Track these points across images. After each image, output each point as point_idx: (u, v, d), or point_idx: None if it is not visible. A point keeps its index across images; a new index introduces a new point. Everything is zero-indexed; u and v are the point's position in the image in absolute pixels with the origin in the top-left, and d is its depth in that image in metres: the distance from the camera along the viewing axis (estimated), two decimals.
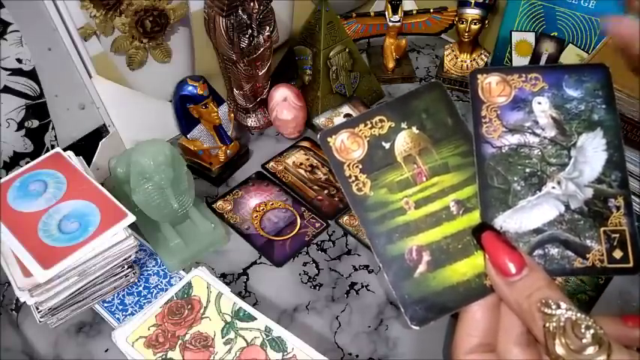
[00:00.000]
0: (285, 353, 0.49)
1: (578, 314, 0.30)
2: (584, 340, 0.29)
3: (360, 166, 0.38)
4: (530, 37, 0.81)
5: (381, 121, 0.38)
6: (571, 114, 0.37)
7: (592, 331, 0.29)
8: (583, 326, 0.29)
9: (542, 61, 0.80)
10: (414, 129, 0.38)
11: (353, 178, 0.37)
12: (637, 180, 0.61)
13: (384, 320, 0.58)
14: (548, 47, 0.79)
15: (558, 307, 0.30)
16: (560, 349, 0.29)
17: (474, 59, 0.87)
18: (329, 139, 0.38)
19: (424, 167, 0.38)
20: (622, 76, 0.57)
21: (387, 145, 0.38)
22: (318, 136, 0.38)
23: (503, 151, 0.37)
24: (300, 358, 0.49)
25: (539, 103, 0.38)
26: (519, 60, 0.84)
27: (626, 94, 0.56)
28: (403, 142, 0.38)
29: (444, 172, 0.38)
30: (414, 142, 0.38)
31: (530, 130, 0.37)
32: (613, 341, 0.29)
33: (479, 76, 0.38)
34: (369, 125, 0.38)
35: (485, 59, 0.87)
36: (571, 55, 0.78)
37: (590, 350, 0.29)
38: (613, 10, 0.71)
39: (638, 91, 0.55)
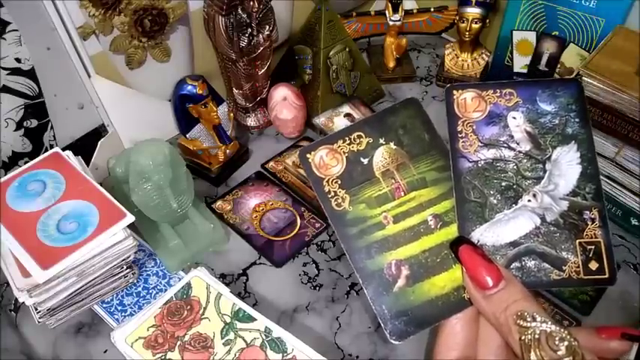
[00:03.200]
0: (285, 354, 0.49)
1: (553, 327, 0.30)
2: (558, 352, 0.29)
3: (339, 182, 0.38)
4: (532, 37, 0.81)
5: (359, 137, 0.39)
6: (545, 128, 0.38)
7: (566, 342, 0.29)
8: (557, 338, 0.30)
9: (544, 61, 0.80)
10: (392, 144, 0.39)
11: (332, 194, 0.38)
12: (637, 179, 0.61)
13: None
14: (549, 47, 0.79)
15: (534, 319, 0.31)
16: None
17: (475, 58, 0.87)
18: (308, 156, 0.38)
19: (402, 182, 0.38)
20: (622, 76, 0.57)
21: (365, 161, 0.39)
22: (298, 152, 0.39)
23: (480, 165, 0.38)
24: (300, 358, 0.48)
25: (514, 117, 0.38)
26: (520, 59, 0.83)
27: (627, 94, 0.56)
28: (381, 157, 0.39)
29: (421, 187, 0.38)
30: (392, 157, 0.39)
31: (505, 145, 0.38)
32: (587, 352, 0.30)
33: (454, 92, 0.39)
34: (348, 141, 0.39)
35: (487, 59, 0.87)
36: (572, 54, 0.77)
37: None
38: (614, 8, 0.71)
39: (638, 91, 0.55)
